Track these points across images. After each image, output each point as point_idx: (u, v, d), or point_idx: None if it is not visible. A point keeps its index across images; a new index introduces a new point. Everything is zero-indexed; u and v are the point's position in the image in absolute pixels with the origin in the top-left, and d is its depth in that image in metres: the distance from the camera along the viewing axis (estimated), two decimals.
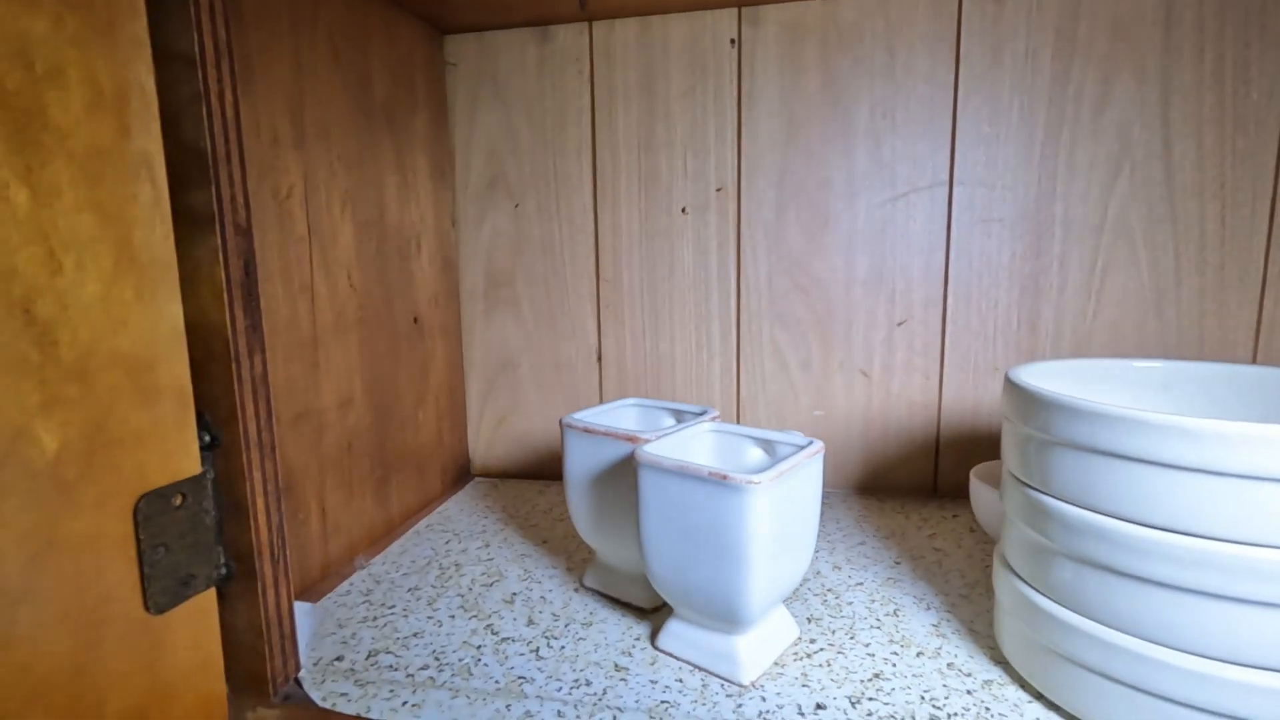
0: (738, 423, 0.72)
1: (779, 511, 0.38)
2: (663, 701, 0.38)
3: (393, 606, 0.49)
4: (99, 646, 0.27)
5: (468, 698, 0.39)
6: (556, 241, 0.73)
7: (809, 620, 0.47)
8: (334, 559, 0.55)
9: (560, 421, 0.49)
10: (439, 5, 0.64)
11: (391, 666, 0.42)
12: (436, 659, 0.43)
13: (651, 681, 0.40)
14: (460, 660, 0.42)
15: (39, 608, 0.25)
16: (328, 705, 0.38)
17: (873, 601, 0.49)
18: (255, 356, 0.37)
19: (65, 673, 0.26)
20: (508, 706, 0.38)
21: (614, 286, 0.73)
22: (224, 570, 0.36)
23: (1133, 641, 0.33)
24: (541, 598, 0.50)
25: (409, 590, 0.51)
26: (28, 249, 0.25)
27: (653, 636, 0.45)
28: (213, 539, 0.35)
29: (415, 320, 0.66)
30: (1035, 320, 0.65)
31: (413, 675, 0.41)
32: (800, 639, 0.44)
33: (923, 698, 0.38)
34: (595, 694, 0.39)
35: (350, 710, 0.38)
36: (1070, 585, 0.35)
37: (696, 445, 0.47)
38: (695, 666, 0.41)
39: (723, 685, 0.40)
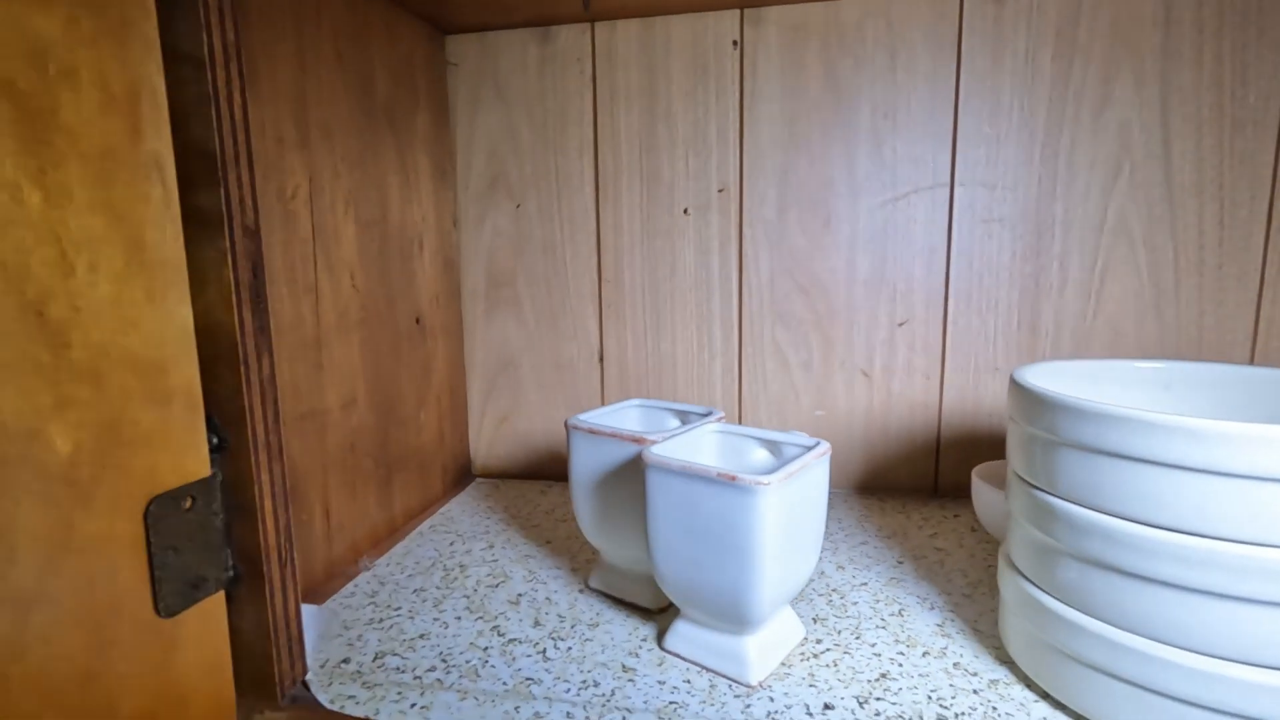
0: (739, 423, 0.72)
1: (787, 512, 0.38)
2: (671, 702, 0.38)
3: (398, 608, 0.49)
4: (111, 649, 0.27)
5: (476, 699, 0.39)
6: (558, 241, 0.73)
7: (815, 620, 0.47)
8: (338, 560, 0.55)
9: (565, 423, 0.49)
10: (440, 5, 0.64)
11: (399, 668, 0.42)
12: (444, 661, 0.43)
13: (659, 682, 0.40)
14: (467, 662, 0.42)
15: (53, 610, 0.25)
16: (335, 708, 0.38)
17: (877, 601, 0.49)
18: (263, 358, 0.37)
19: (78, 675, 0.26)
20: (516, 708, 0.38)
21: (615, 286, 0.73)
22: (232, 573, 0.36)
23: (1140, 641, 0.33)
24: (547, 599, 0.50)
25: (414, 592, 0.51)
26: (40, 250, 0.25)
27: (659, 637, 0.45)
28: (222, 541, 0.35)
29: (417, 320, 0.66)
30: (1035, 320, 0.65)
31: (420, 677, 0.41)
32: (806, 639, 0.45)
33: (930, 697, 0.38)
34: (603, 695, 0.39)
35: (358, 713, 0.38)
36: (1077, 585, 0.35)
37: (702, 446, 0.47)
38: (703, 667, 0.41)
39: (730, 686, 0.40)
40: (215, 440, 0.35)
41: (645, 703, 0.38)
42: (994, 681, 0.40)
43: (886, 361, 0.69)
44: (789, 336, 0.70)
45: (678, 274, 0.71)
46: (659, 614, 0.48)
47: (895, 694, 0.39)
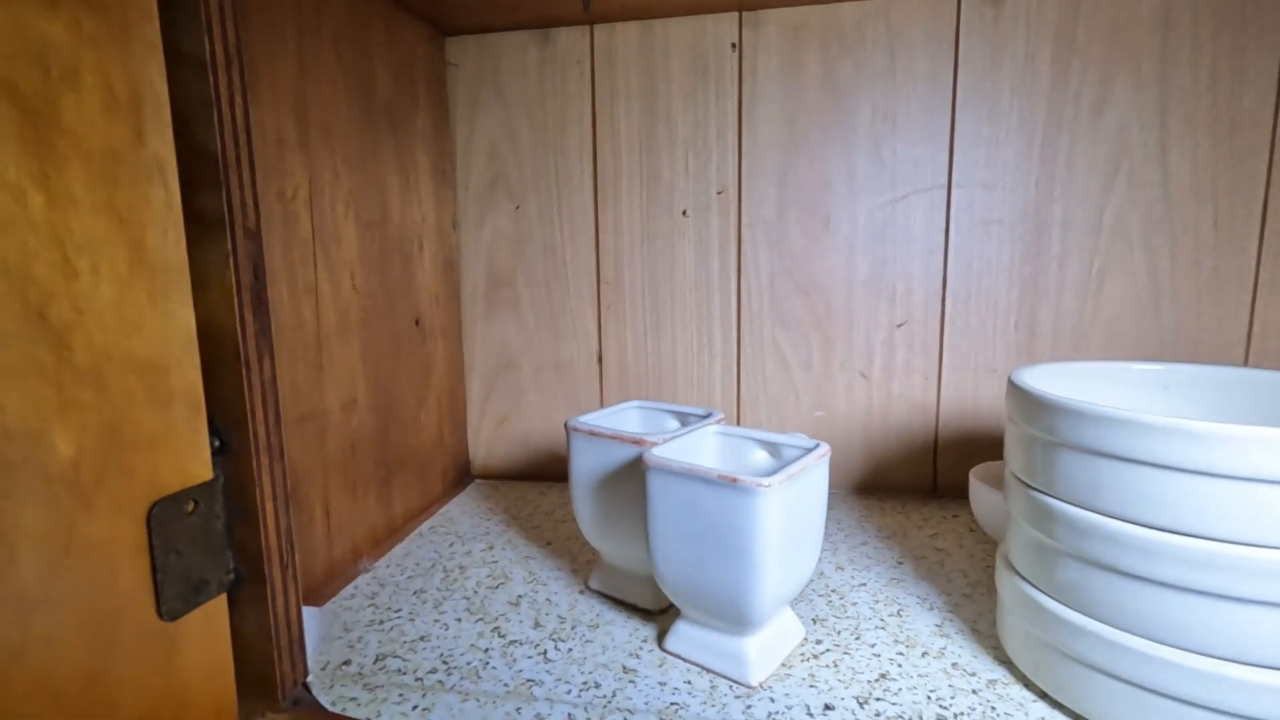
0: (738, 424, 0.72)
1: (788, 513, 0.38)
2: (672, 703, 0.38)
3: (399, 610, 0.49)
4: (113, 652, 0.27)
5: (478, 701, 0.39)
6: (557, 242, 0.73)
7: (814, 621, 0.47)
8: (338, 561, 0.55)
9: (566, 424, 0.49)
10: (441, 7, 0.64)
11: (400, 670, 0.42)
12: (445, 662, 0.43)
13: (660, 683, 0.40)
14: (468, 663, 0.42)
15: (56, 613, 0.25)
16: (337, 710, 0.38)
17: (876, 602, 0.49)
18: (264, 361, 0.37)
19: (80, 679, 0.26)
20: (518, 709, 0.38)
21: (615, 288, 0.73)
22: (233, 575, 0.36)
23: (1139, 641, 0.33)
24: (547, 600, 0.50)
25: (414, 593, 0.51)
26: (43, 253, 0.25)
27: (660, 638, 0.45)
28: (223, 544, 0.34)
29: (417, 322, 0.66)
30: (1034, 321, 0.66)
31: (421, 679, 0.41)
32: (806, 640, 0.45)
33: (929, 697, 0.39)
34: (604, 696, 0.39)
35: (360, 714, 0.38)
36: (1076, 586, 0.36)
37: (702, 448, 0.47)
38: (703, 668, 0.42)
39: (731, 686, 0.40)
40: (217, 443, 0.35)
41: (646, 704, 0.38)
42: (992, 681, 0.40)
43: (885, 362, 0.69)
44: (789, 337, 0.70)
45: (677, 275, 0.71)
46: (659, 615, 0.48)
47: (895, 694, 0.39)
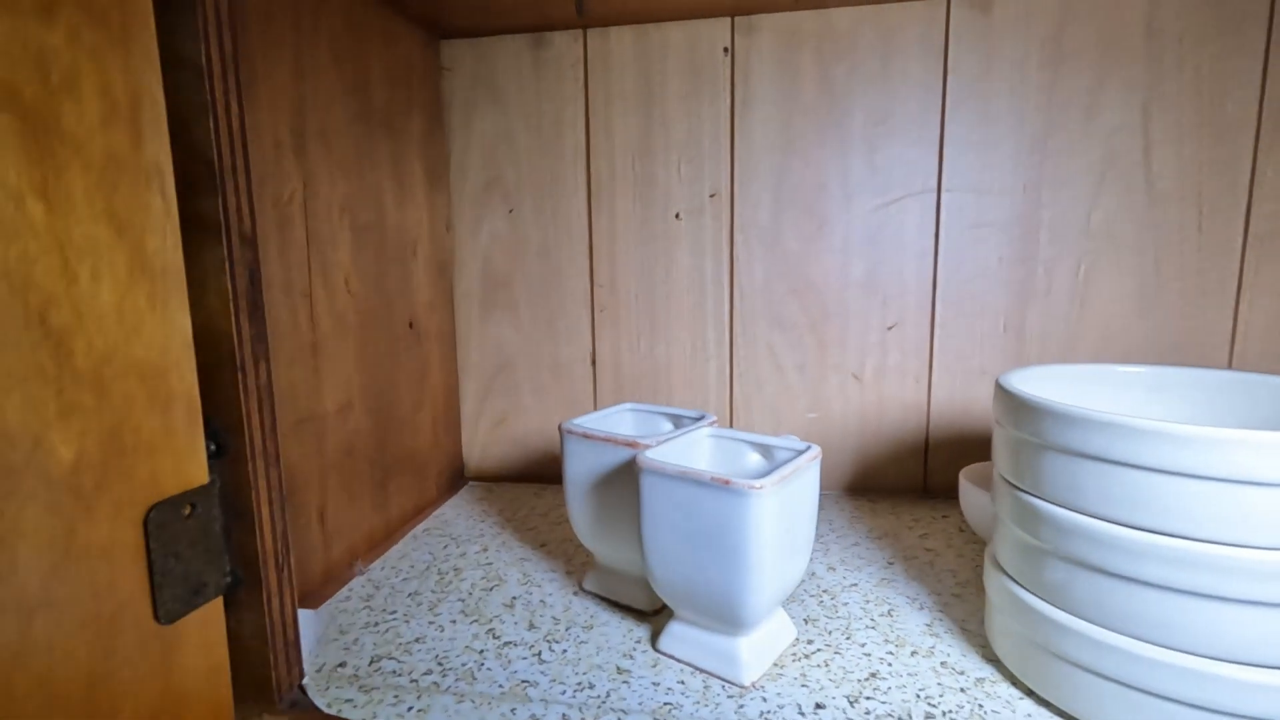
0: (732, 425, 0.73)
1: (780, 515, 0.39)
2: (666, 703, 0.39)
3: (394, 612, 0.49)
4: (113, 656, 0.28)
5: (473, 702, 0.39)
6: (552, 245, 0.74)
7: (806, 621, 0.47)
8: (334, 564, 0.55)
9: (560, 427, 0.50)
10: (436, 11, 0.65)
11: (395, 672, 0.42)
12: (440, 664, 0.43)
13: (654, 684, 0.41)
14: (464, 665, 0.43)
15: (57, 617, 0.25)
16: (333, 712, 0.39)
17: (867, 602, 0.50)
18: (260, 365, 0.37)
19: (81, 682, 0.26)
20: (513, 710, 0.38)
21: (609, 290, 0.73)
22: (230, 579, 0.36)
23: (1123, 640, 0.34)
24: (542, 601, 0.51)
25: (409, 595, 0.52)
26: (44, 259, 0.25)
27: (654, 639, 0.45)
28: (220, 548, 0.35)
29: (411, 325, 0.66)
30: (1023, 323, 0.66)
31: (417, 680, 0.41)
32: (798, 640, 0.45)
33: (918, 696, 0.39)
34: (599, 697, 0.40)
35: (356, 716, 0.38)
36: (1061, 585, 0.36)
37: (696, 450, 0.47)
38: (697, 668, 0.42)
39: (724, 686, 0.40)
40: (213, 447, 0.35)
41: (640, 704, 0.39)
42: (980, 680, 0.41)
43: (878, 364, 0.70)
44: (782, 339, 0.71)
45: (671, 278, 0.72)
46: (653, 616, 0.48)
47: (885, 693, 0.40)
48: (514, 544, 0.61)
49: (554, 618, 0.48)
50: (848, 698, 0.39)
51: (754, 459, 0.46)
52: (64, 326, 0.26)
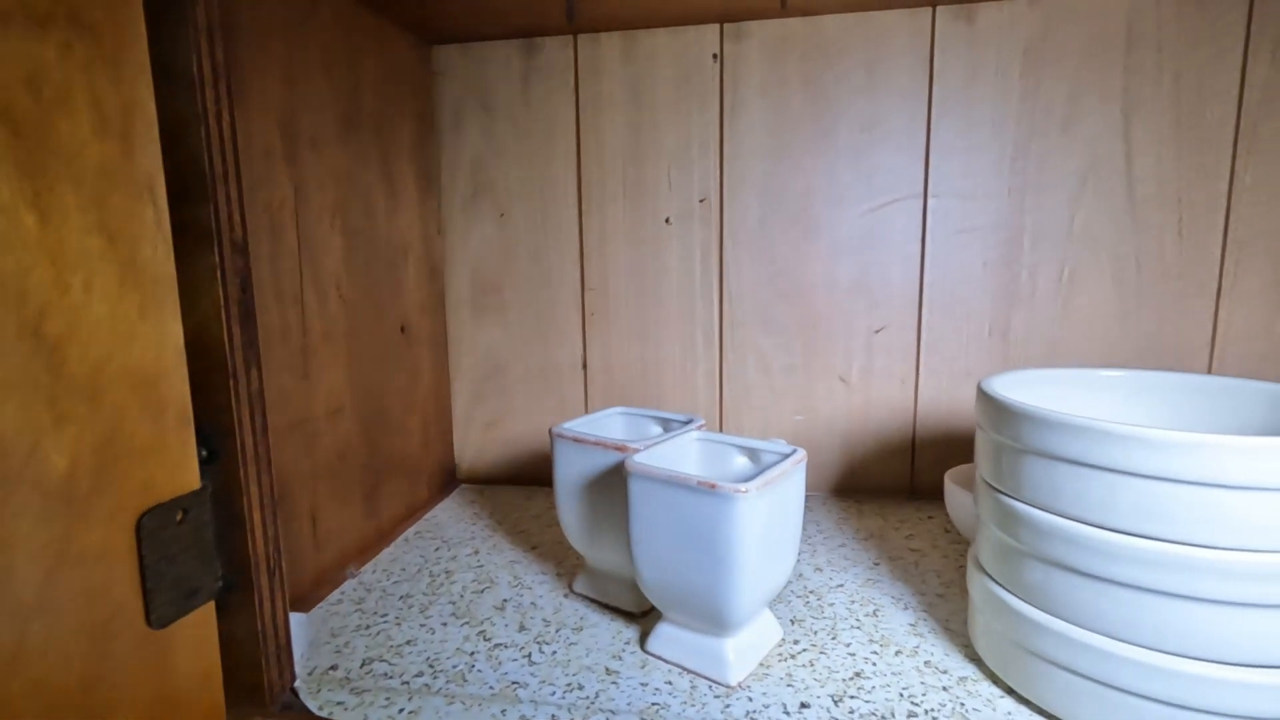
0: (722, 427, 0.74)
1: (765, 518, 0.39)
2: (653, 703, 0.39)
3: (385, 615, 0.50)
4: (108, 661, 0.28)
5: (463, 704, 0.40)
6: (543, 250, 0.74)
7: (792, 622, 0.48)
8: (326, 568, 0.55)
9: (550, 431, 0.50)
10: (428, 17, 0.65)
11: (386, 674, 0.43)
12: (431, 666, 0.43)
13: (642, 684, 0.41)
14: (454, 667, 0.43)
15: (53, 623, 0.26)
16: (324, 714, 0.39)
17: (853, 602, 0.51)
18: (252, 371, 0.37)
19: (76, 687, 0.27)
20: (503, 711, 0.39)
21: (600, 294, 0.74)
22: (222, 583, 0.36)
23: (1098, 638, 0.35)
24: (532, 604, 0.51)
25: (401, 598, 0.52)
26: (37, 270, 0.26)
27: (642, 640, 0.46)
28: (212, 552, 0.35)
29: (403, 329, 0.67)
30: (1007, 326, 0.67)
31: (408, 682, 0.42)
32: (784, 640, 0.46)
33: (901, 694, 0.40)
34: (588, 698, 0.40)
35: (347, 718, 0.39)
36: (1039, 586, 0.37)
37: (684, 454, 0.48)
38: (684, 669, 0.43)
39: (711, 686, 0.41)
40: (205, 452, 0.36)
41: (628, 704, 0.39)
42: (963, 679, 0.41)
43: (865, 367, 0.70)
44: (771, 343, 0.72)
45: (661, 282, 0.73)
46: (642, 617, 0.49)
47: (869, 692, 0.40)
48: (505, 547, 0.61)
49: (544, 620, 0.49)
50: (832, 697, 0.40)
51: (741, 462, 0.47)
52: (57, 336, 0.26)
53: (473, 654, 0.45)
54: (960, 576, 0.54)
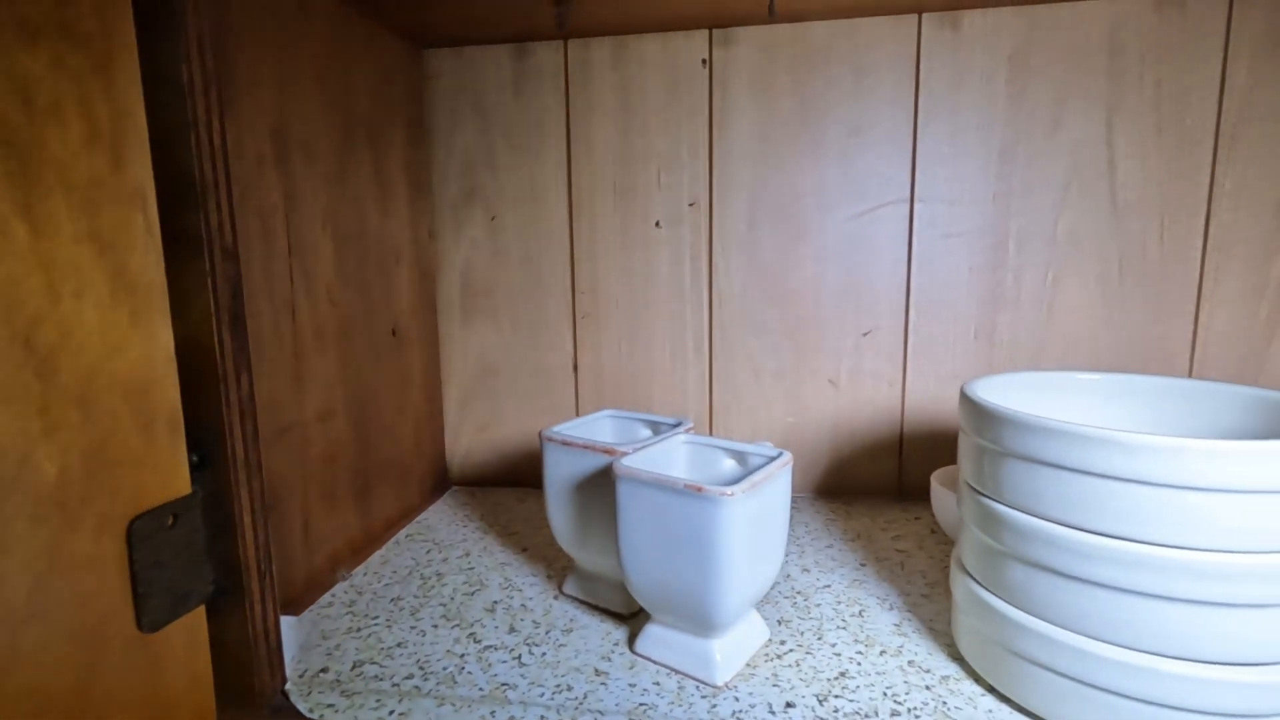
0: (712, 430, 0.74)
1: (751, 520, 0.40)
2: (641, 704, 0.40)
3: (376, 617, 0.50)
4: (99, 666, 0.28)
5: (453, 705, 0.40)
6: (534, 253, 0.75)
7: (779, 622, 0.49)
8: (317, 571, 0.55)
9: (540, 434, 0.51)
10: (420, 21, 0.65)
11: (377, 676, 0.43)
12: (421, 668, 0.44)
13: (630, 685, 0.42)
14: (444, 669, 0.44)
15: (44, 629, 0.26)
16: (315, 716, 0.39)
17: (839, 603, 0.51)
18: (242, 377, 0.38)
19: (67, 693, 0.27)
20: (492, 713, 0.39)
21: (590, 297, 0.74)
22: (213, 587, 0.36)
23: (1077, 638, 0.36)
24: (523, 606, 0.52)
25: (391, 600, 0.52)
26: (28, 280, 0.26)
27: (631, 641, 0.46)
28: (203, 557, 0.35)
29: (394, 332, 0.67)
30: (993, 329, 0.68)
31: (398, 685, 0.42)
32: (771, 641, 0.47)
33: (885, 694, 0.41)
34: (576, 698, 0.41)
35: None
36: (1020, 586, 0.38)
37: (672, 457, 0.49)
38: (672, 669, 0.43)
39: (698, 687, 0.42)
40: (195, 458, 0.36)
41: (617, 705, 0.40)
42: (945, 678, 0.42)
43: (853, 369, 0.71)
44: (760, 345, 0.72)
45: (651, 285, 0.73)
46: (630, 619, 0.50)
47: (853, 691, 0.41)
48: (496, 549, 0.62)
49: (534, 621, 0.49)
50: (817, 696, 0.41)
51: (728, 465, 0.48)
52: (48, 346, 0.27)
53: (463, 656, 0.45)
54: (945, 577, 0.55)
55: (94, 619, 0.28)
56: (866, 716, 0.39)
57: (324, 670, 0.44)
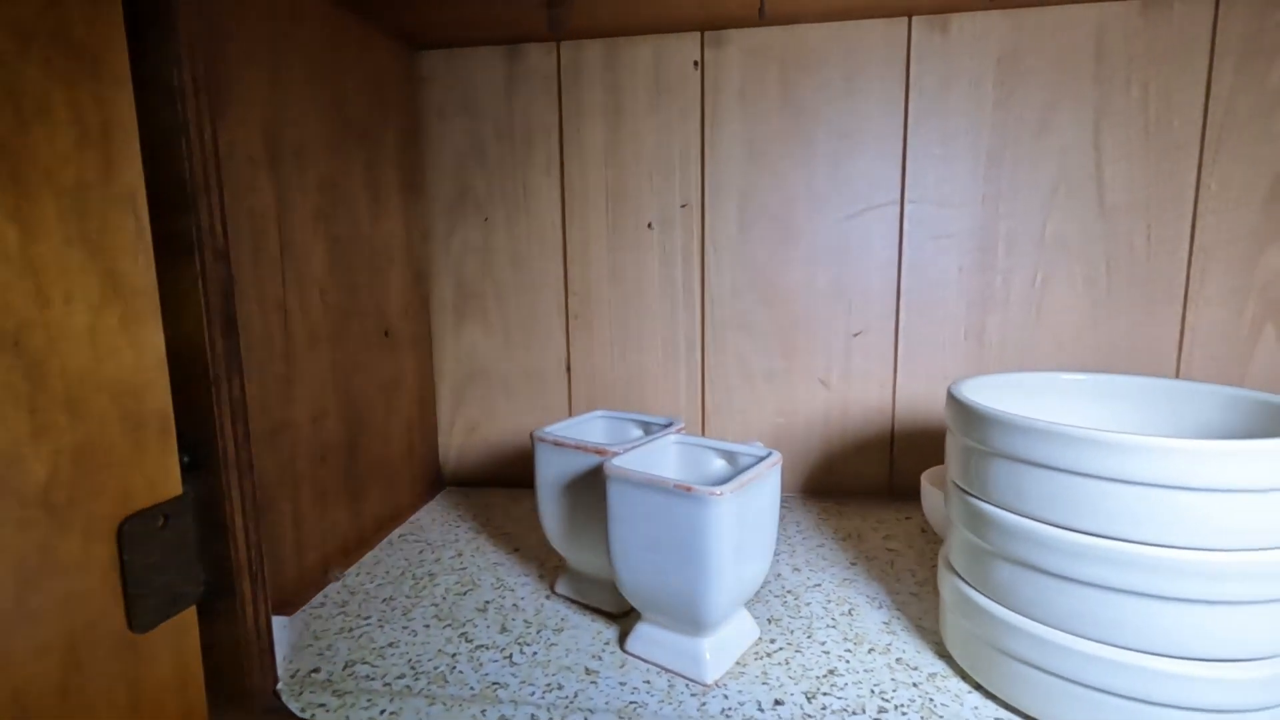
0: (704, 430, 0.75)
1: (740, 520, 0.40)
2: (631, 702, 0.40)
3: (368, 617, 0.50)
4: (87, 667, 0.28)
5: (444, 704, 0.40)
6: (526, 254, 0.75)
7: (769, 621, 0.49)
8: (308, 571, 0.55)
9: (531, 435, 0.51)
10: (413, 23, 0.65)
11: (368, 676, 0.43)
12: (413, 668, 0.44)
13: (620, 683, 0.42)
14: (436, 669, 0.44)
15: (32, 631, 0.26)
16: (306, 716, 0.40)
17: (829, 602, 0.52)
18: (233, 379, 0.38)
19: (55, 694, 0.27)
20: (483, 712, 0.40)
21: (582, 298, 0.75)
22: (204, 588, 0.37)
23: (1063, 636, 0.36)
24: (514, 605, 0.52)
25: (383, 601, 0.53)
26: (18, 283, 0.26)
27: (621, 640, 0.47)
28: (194, 558, 0.36)
29: (386, 333, 0.67)
30: (983, 330, 0.69)
31: (390, 684, 0.42)
32: (761, 639, 0.47)
33: (873, 691, 0.41)
34: (567, 697, 0.41)
35: None
36: (1006, 585, 0.38)
37: (663, 457, 0.49)
38: (662, 668, 0.44)
39: (688, 685, 0.42)
40: (187, 459, 0.36)
41: (607, 703, 0.40)
42: (932, 675, 0.43)
43: (844, 370, 0.72)
44: (751, 346, 0.73)
45: (643, 286, 0.73)
46: (621, 618, 0.50)
47: (841, 689, 0.41)
48: (488, 549, 0.62)
49: (526, 621, 0.50)
50: (805, 694, 0.41)
51: (719, 465, 0.48)
52: (38, 349, 0.27)
53: (454, 655, 0.45)
54: (934, 576, 0.56)
55: (84, 620, 0.28)
56: (854, 714, 0.39)
57: (316, 670, 0.44)
